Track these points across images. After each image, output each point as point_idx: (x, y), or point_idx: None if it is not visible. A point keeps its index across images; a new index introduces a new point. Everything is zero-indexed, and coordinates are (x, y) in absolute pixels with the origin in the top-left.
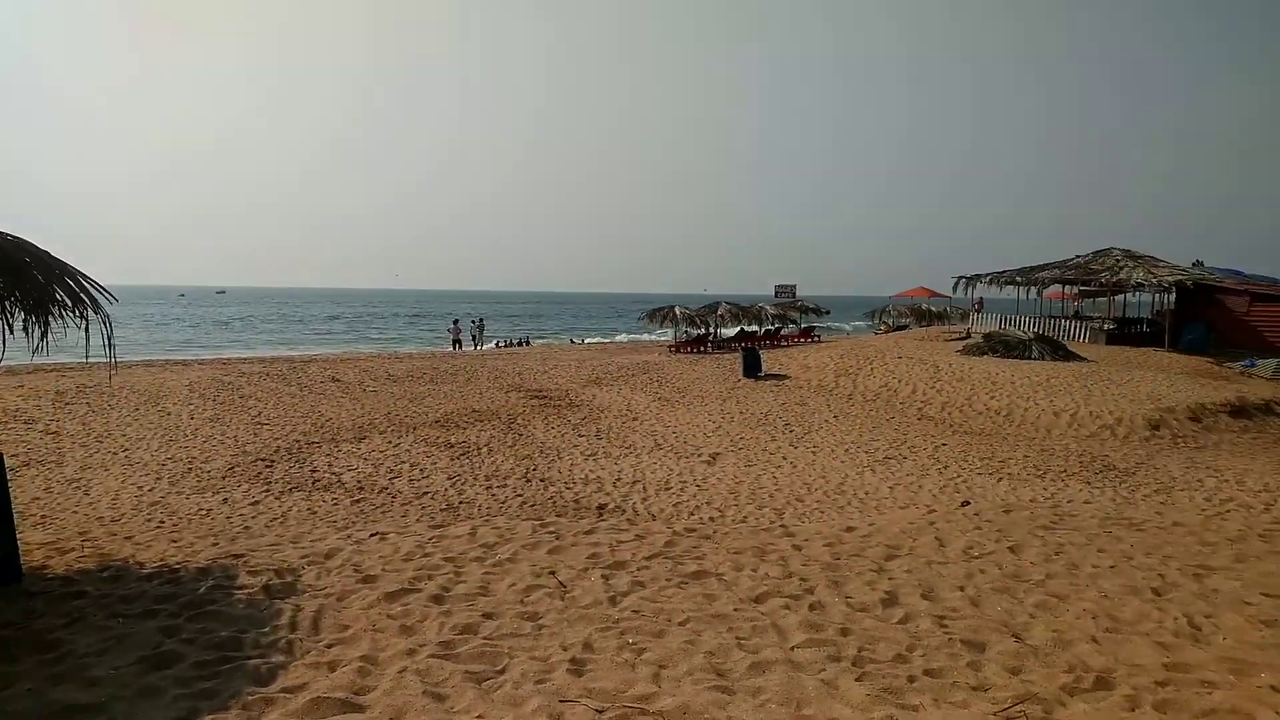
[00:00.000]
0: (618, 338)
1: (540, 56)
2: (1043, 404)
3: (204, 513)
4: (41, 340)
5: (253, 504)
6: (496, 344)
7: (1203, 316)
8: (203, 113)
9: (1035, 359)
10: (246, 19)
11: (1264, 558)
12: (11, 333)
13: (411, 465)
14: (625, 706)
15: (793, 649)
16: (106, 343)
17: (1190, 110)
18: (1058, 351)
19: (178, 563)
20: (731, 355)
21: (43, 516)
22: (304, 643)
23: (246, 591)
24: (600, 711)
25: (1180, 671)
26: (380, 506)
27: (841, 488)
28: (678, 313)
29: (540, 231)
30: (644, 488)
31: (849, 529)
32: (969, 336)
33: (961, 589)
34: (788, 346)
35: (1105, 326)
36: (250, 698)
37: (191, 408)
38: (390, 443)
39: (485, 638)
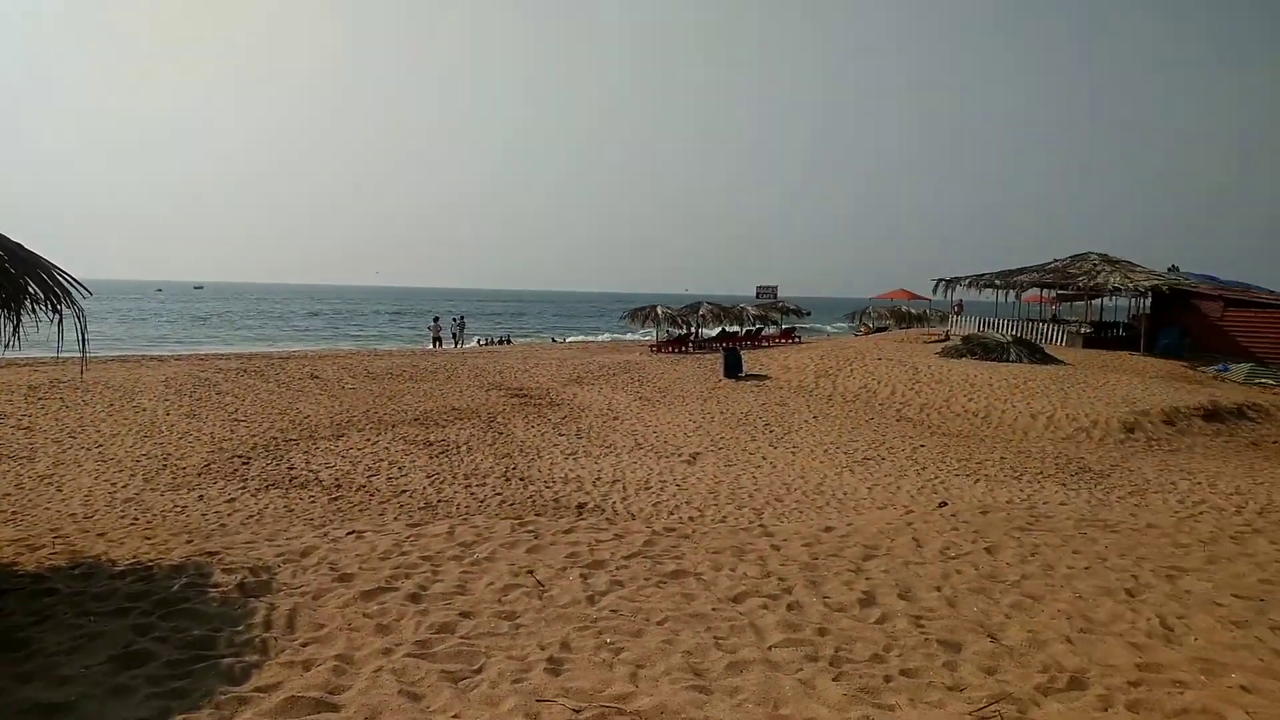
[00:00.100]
0: (600, 337)
1: (524, 54)
2: (1020, 406)
3: (179, 510)
4: (14, 334)
5: (229, 501)
6: (478, 342)
7: (1178, 321)
8: (167, 98)
9: (1013, 361)
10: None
11: (1235, 559)
12: None
13: (390, 463)
14: (602, 706)
15: (770, 649)
16: (81, 337)
17: (1179, 113)
18: (1035, 354)
19: (151, 560)
20: (713, 355)
21: (13, 513)
22: (278, 641)
23: (221, 589)
24: (577, 711)
25: (1152, 672)
26: (358, 504)
27: (820, 488)
28: (660, 313)
29: (522, 230)
30: (624, 487)
31: (827, 529)
32: (948, 339)
33: (938, 589)
34: (769, 347)
35: (1082, 330)
36: (223, 697)
37: (167, 404)
38: (369, 440)
39: (462, 637)
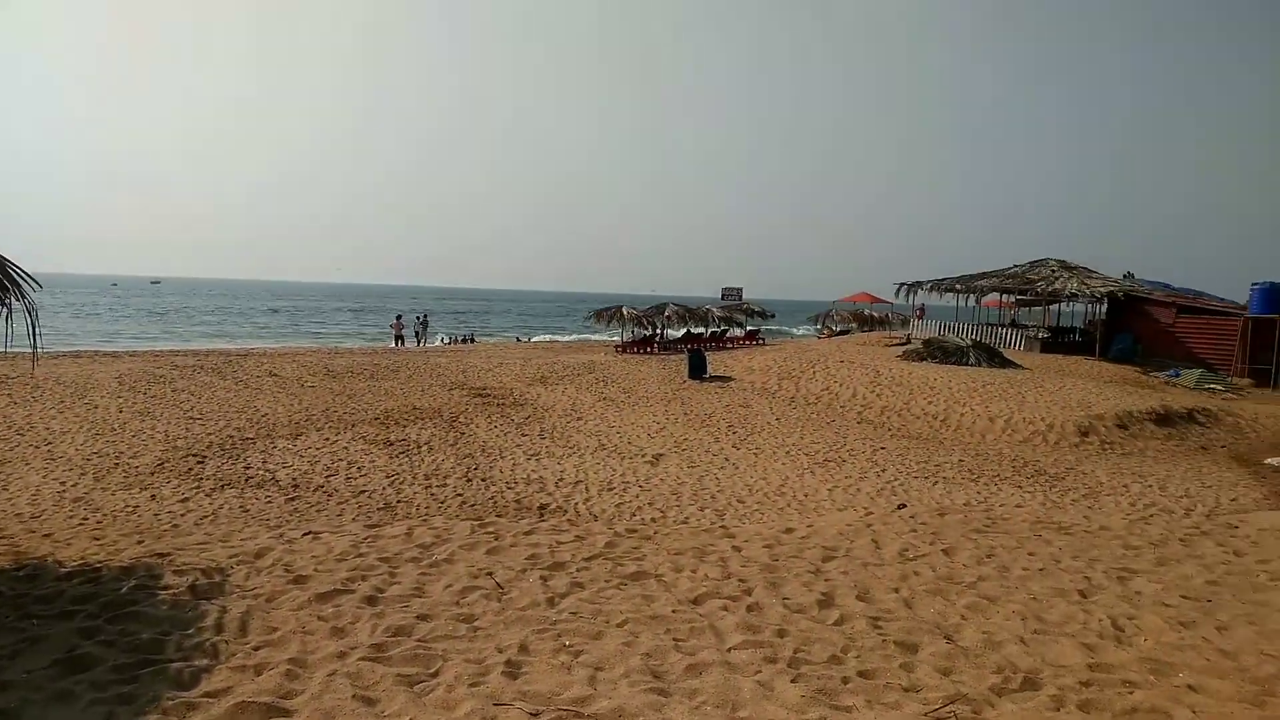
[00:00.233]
0: (566, 337)
1: (508, 57)
2: (978, 409)
3: (130, 510)
4: None
5: (182, 501)
6: (442, 340)
7: (1131, 327)
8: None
9: (972, 365)
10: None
11: (1183, 561)
12: None
13: (349, 463)
14: (560, 710)
15: (729, 650)
16: (31, 331)
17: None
18: (994, 358)
19: (99, 561)
20: (678, 356)
21: None
22: (230, 645)
23: (171, 592)
24: (535, 715)
25: (1103, 672)
26: (315, 505)
27: (782, 489)
28: (625, 313)
29: (490, 231)
30: (586, 488)
31: (788, 530)
32: (909, 342)
33: (896, 591)
34: (733, 349)
35: (1040, 335)
36: (170, 703)
37: (120, 400)
38: (328, 440)
39: (419, 640)
